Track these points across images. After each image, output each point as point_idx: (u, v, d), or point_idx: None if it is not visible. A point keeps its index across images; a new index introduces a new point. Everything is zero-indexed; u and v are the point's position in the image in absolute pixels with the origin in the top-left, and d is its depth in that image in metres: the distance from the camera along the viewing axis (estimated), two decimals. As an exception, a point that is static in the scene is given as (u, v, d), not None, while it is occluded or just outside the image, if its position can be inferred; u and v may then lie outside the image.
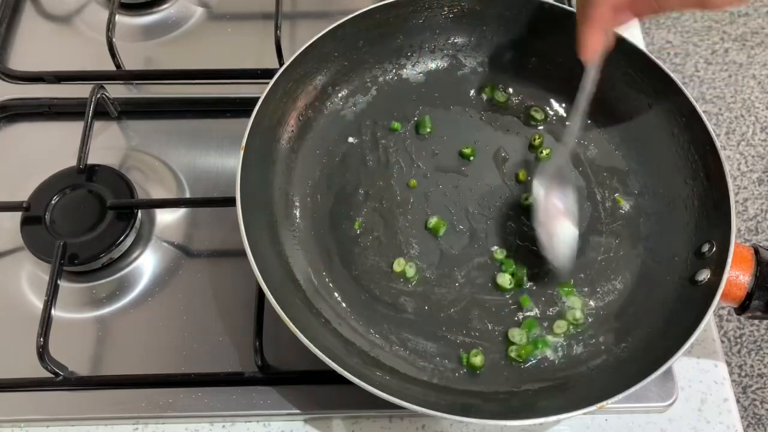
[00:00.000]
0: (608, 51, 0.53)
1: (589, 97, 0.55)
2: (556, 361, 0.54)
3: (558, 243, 0.54)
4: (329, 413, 0.54)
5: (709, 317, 0.50)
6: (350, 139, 0.63)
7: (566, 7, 0.63)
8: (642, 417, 0.54)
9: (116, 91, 0.67)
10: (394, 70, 0.66)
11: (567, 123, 0.56)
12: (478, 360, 0.53)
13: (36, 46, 0.73)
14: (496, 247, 0.58)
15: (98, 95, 0.64)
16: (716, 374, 0.56)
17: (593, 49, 0.51)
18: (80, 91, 0.65)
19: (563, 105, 0.65)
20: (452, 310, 0.56)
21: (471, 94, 0.66)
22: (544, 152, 0.62)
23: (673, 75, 0.58)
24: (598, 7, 0.48)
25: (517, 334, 0.54)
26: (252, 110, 0.55)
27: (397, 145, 0.63)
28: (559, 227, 0.55)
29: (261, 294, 0.54)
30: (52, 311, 0.54)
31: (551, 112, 0.65)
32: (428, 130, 0.63)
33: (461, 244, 0.58)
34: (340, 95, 0.64)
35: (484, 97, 0.65)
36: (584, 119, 0.55)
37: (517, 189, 0.61)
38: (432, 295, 0.56)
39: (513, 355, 0.53)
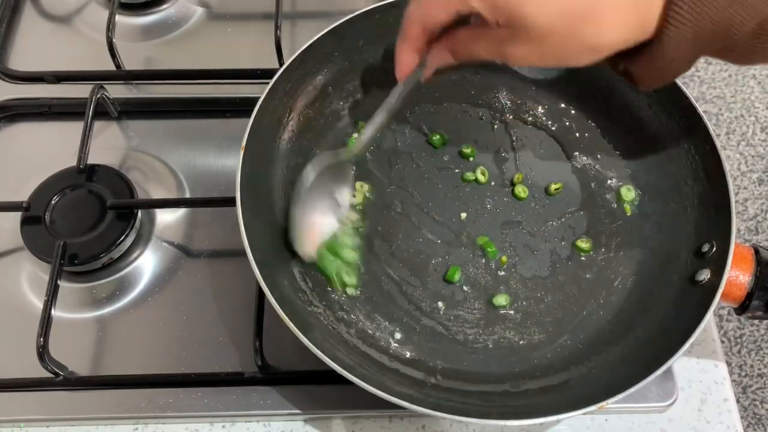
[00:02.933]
0: (424, 80, 0.50)
1: (390, 113, 0.52)
2: (556, 360, 0.54)
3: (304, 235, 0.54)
4: (329, 413, 0.54)
5: (709, 317, 0.50)
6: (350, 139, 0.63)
7: (566, 7, 0.63)
8: (642, 417, 0.54)
9: (116, 91, 0.67)
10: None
11: (364, 127, 0.53)
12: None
13: (36, 46, 0.73)
14: (494, 245, 0.58)
15: (98, 95, 0.64)
16: (716, 374, 0.56)
17: (403, 68, 0.49)
18: (80, 91, 0.65)
19: (562, 105, 0.65)
20: (452, 306, 0.56)
21: (471, 93, 0.66)
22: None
23: (673, 75, 0.58)
24: (410, 24, 0.47)
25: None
26: (252, 110, 0.55)
27: (397, 144, 0.63)
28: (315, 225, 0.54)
29: (261, 294, 0.54)
30: (52, 311, 0.54)
31: (551, 113, 0.65)
32: (437, 138, 0.63)
33: (461, 243, 0.58)
34: (340, 95, 0.64)
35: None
36: (378, 130, 0.53)
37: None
38: (432, 293, 0.56)
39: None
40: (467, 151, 0.62)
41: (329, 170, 0.54)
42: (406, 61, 0.49)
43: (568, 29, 0.41)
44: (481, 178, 0.61)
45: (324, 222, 0.55)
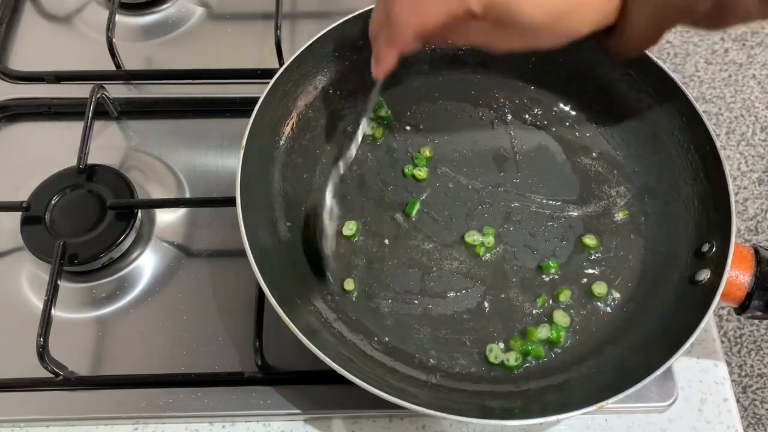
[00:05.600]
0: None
1: (370, 111, 0.56)
2: (556, 359, 0.54)
3: None
4: (329, 413, 0.54)
5: (709, 317, 0.50)
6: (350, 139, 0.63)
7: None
8: (642, 417, 0.54)
9: (116, 91, 0.67)
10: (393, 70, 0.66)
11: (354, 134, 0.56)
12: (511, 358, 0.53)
13: (36, 46, 0.73)
14: (491, 238, 0.58)
15: (98, 95, 0.64)
16: (716, 374, 0.56)
17: (385, 68, 0.51)
18: (80, 91, 0.65)
19: (562, 105, 0.65)
20: (454, 308, 0.56)
21: (471, 93, 0.66)
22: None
23: (673, 75, 0.58)
24: (402, 31, 0.48)
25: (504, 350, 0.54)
26: (252, 110, 0.56)
27: (397, 144, 0.63)
28: None
29: (261, 294, 0.54)
30: (52, 311, 0.54)
31: (551, 113, 0.65)
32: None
33: (459, 242, 0.58)
34: (340, 95, 0.64)
35: None
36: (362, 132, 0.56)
37: (516, 187, 0.61)
38: (433, 293, 0.56)
39: (511, 363, 0.53)
40: (468, 150, 0.62)
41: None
42: (390, 62, 0.51)
43: (553, 24, 0.45)
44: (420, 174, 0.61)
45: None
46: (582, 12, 0.45)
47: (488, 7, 0.44)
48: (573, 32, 0.46)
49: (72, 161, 0.61)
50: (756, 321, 1.50)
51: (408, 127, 0.64)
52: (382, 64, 0.51)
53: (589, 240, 0.58)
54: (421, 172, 0.61)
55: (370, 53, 0.64)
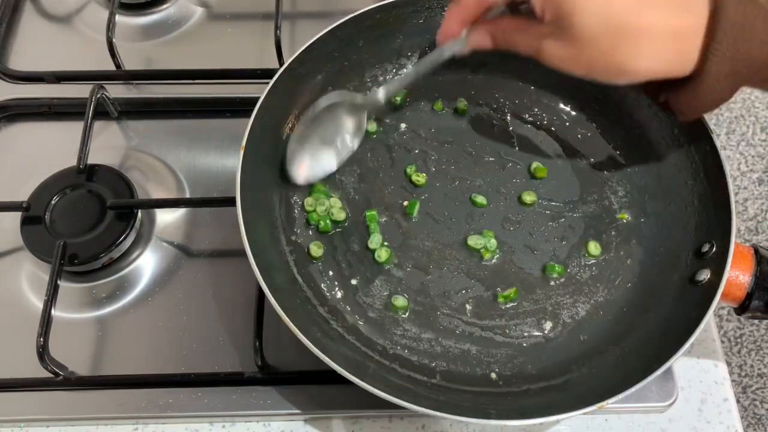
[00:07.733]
0: (460, 54, 0.52)
1: (418, 73, 0.55)
2: (556, 360, 0.54)
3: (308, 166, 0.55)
4: (329, 413, 0.54)
5: (709, 317, 0.50)
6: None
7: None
8: (642, 417, 0.54)
9: (116, 91, 0.67)
10: (394, 70, 0.66)
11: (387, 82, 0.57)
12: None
13: (36, 46, 0.73)
14: (494, 241, 0.58)
15: (98, 95, 0.64)
16: (716, 374, 0.57)
17: (445, 32, 0.51)
18: (80, 91, 0.65)
19: (562, 105, 0.65)
20: (452, 309, 0.56)
21: (471, 93, 0.65)
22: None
23: (673, 75, 0.58)
24: None
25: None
26: (252, 110, 0.56)
27: (397, 144, 0.63)
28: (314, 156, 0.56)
29: (261, 294, 0.54)
30: (52, 311, 0.54)
31: (551, 113, 0.65)
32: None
33: (460, 242, 0.58)
34: (340, 95, 0.64)
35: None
36: (402, 85, 0.57)
37: (517, 187, 0.61)
38: (432, 291, 0.56)
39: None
40: (468, 149, 0.62)
41: (345, 108, 0.54)
42: (451, 27, 0.50)
43: (606, 43, 0.42)
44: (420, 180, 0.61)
45: (324, 156, 0.56)
46: (638, 43, 0.41)
47: None
48: (624, 66, 0.42)
49: (72, 161, 0.61)
50: (756, 321, 1.50)
51: (408, 127, 0.64)
52: (444, 28, 0.51)
53: (590, 240, 0.58)
54: (420, 178, 0.61)
55: (370, 53, 0.64)
